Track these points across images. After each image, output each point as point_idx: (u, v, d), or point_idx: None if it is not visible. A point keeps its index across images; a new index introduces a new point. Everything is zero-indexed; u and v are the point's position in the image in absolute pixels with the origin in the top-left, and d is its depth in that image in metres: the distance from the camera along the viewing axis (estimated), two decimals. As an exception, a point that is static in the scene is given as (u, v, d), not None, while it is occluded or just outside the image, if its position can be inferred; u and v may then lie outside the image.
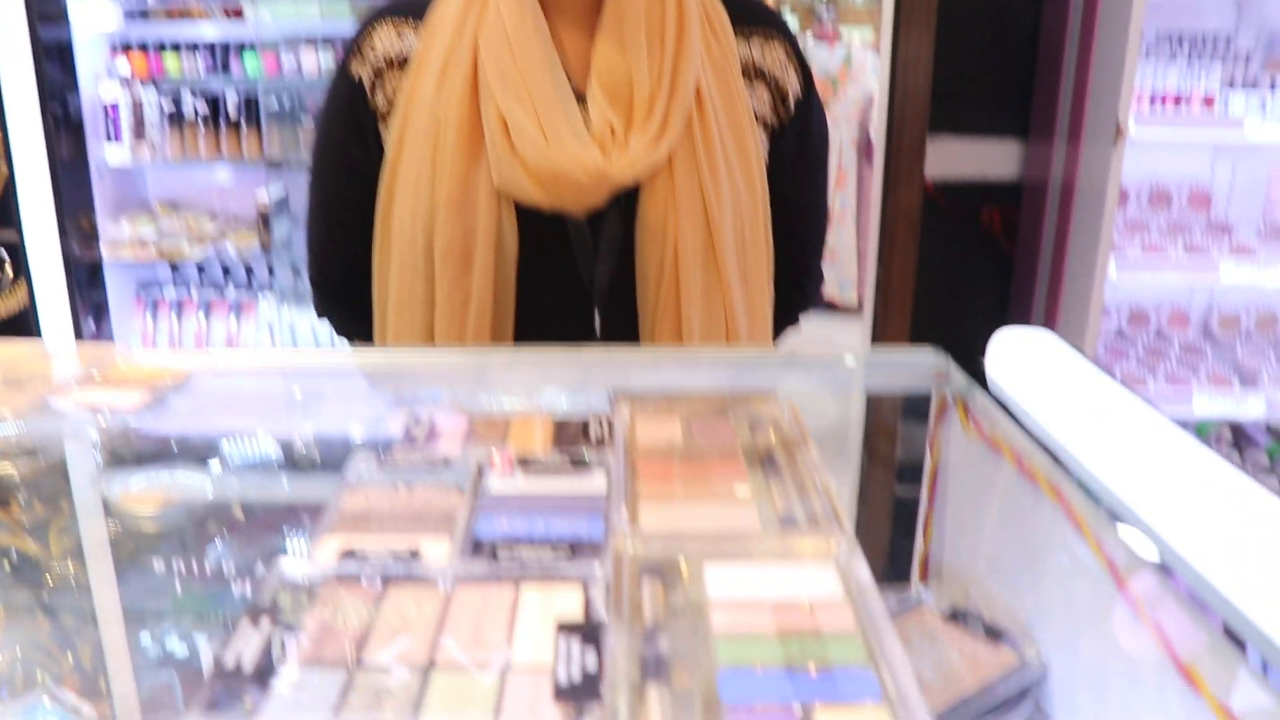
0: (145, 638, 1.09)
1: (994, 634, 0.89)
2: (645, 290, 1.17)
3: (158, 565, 1.14)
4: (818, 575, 0.65)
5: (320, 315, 1.36)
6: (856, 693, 0.56)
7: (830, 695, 0.55)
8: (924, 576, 1.08)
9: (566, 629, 0.59)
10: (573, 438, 0.83)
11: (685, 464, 0.78)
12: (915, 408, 1.03)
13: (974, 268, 2.85)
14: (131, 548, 1.13)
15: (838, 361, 1.07)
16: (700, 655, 0.58)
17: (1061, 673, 0.84)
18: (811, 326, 1.46)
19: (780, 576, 0.65)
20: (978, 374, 0.99)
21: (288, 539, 1.04)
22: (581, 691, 0.54)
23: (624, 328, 1.20)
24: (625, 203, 1.16)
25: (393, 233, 1.19)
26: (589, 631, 0.59)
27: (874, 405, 1.12)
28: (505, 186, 1.13)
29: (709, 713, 0.53)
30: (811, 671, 0.57)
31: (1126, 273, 2.53)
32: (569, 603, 0.63)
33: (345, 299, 1.31)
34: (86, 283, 3.35)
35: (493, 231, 1.14)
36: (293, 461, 1.15)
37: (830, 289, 5.50)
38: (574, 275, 1.18)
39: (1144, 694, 0.70)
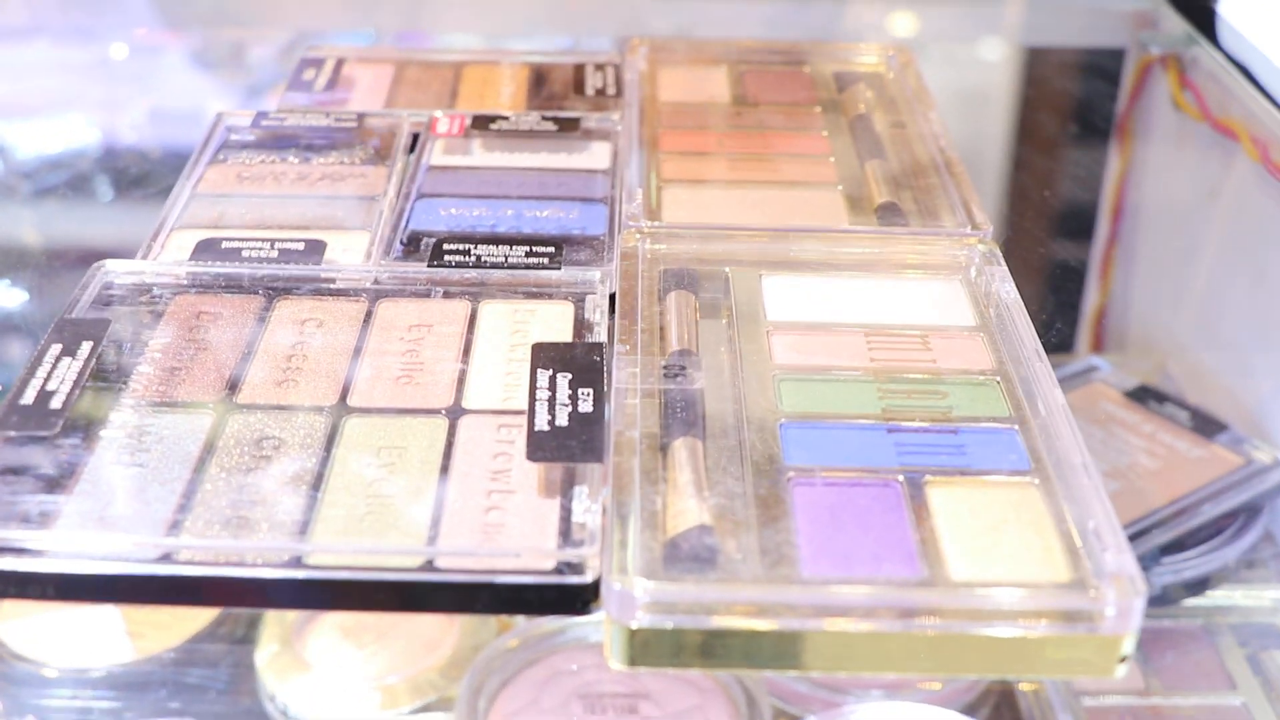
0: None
1: (1205, 425, 0.90)
2: None
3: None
4: (936, 292, 0.65)
5: None
6: (992, 459, 0.56)
7: (952, 461, 0.55)
8: (1098, 343, 1.09)
9: (549, 360, 0.59)
10: (560, 92, 0.82)
11: (734, 132, 0.77)
12: (1101, 72, 1.02)
13: None
14: None
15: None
16: (755, 401, 0.58)
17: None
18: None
19: (879, 292, 0.65)
20: (1205, 25, 0.97)
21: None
22: (572, 448, 0.54)
23: None
24: None
25: None
26: (584, 363, 0.59)
27: (1034, 66, 1.10)
28: None
29: (766, 480, 0.53)
30: (923, 427, 0.57)
31: None
32: (554, 325, 0.63)
33: None
34: None
35: None
36: (118, 151, 1.14)
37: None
38: None
39: None
